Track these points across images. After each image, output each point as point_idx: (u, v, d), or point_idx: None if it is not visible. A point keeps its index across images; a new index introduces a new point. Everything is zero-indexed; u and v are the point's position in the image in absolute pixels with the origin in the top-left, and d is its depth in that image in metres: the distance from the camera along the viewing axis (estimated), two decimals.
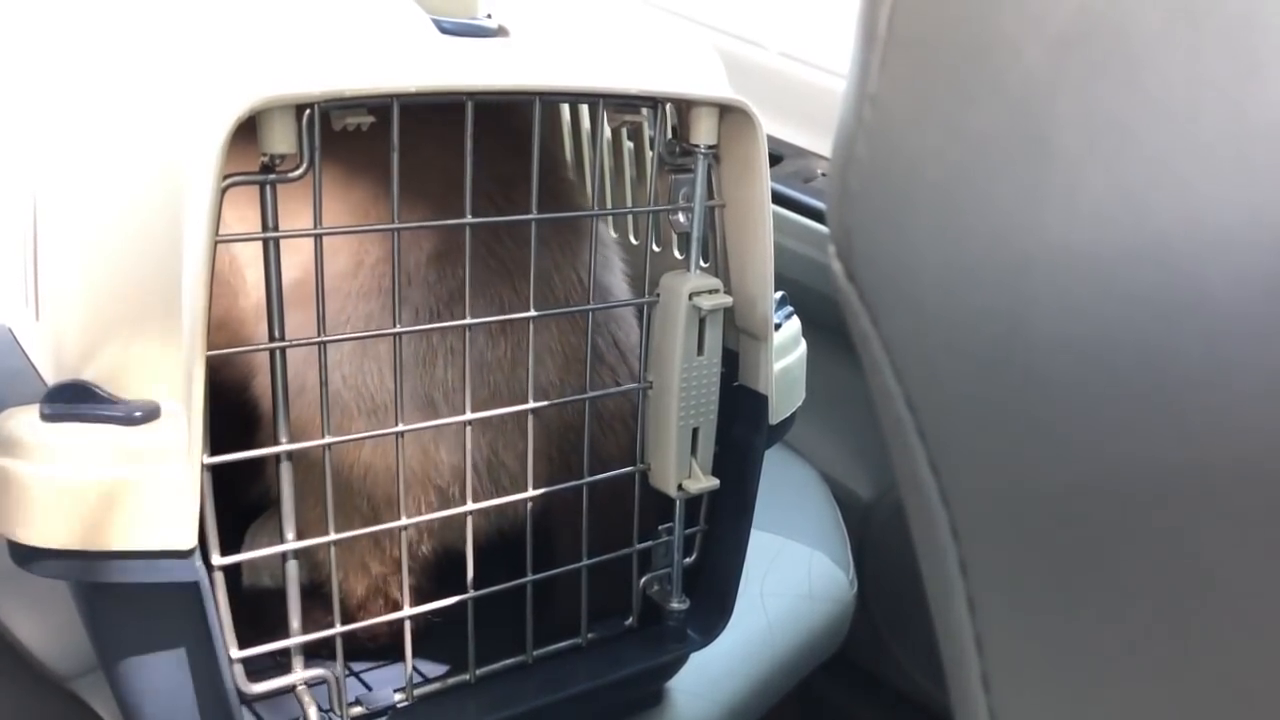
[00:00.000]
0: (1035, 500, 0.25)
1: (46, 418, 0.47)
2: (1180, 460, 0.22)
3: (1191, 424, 0.21)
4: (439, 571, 0.65)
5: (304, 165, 0.49)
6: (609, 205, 0.76)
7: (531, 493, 0.61)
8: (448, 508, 0.61)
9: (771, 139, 1.13)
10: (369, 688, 0.64)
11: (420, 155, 0.56)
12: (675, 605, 0.67)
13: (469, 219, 0.55)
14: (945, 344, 0.26)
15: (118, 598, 0.52)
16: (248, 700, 0.55)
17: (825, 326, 0.75)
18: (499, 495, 0.63)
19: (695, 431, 0.63)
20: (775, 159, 1.13)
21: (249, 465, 0.53)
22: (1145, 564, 0.23)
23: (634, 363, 0.67)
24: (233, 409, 0.62)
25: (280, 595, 0.56)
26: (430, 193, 0.60)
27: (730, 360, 0.65)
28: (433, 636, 0.62)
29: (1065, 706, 0.25)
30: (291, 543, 0.54)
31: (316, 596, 0.61)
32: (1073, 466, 0.24)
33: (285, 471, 0.53)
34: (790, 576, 0.89)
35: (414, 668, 0.60)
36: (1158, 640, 0.23)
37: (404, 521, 0.58)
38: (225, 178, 0.46)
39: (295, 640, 0.55)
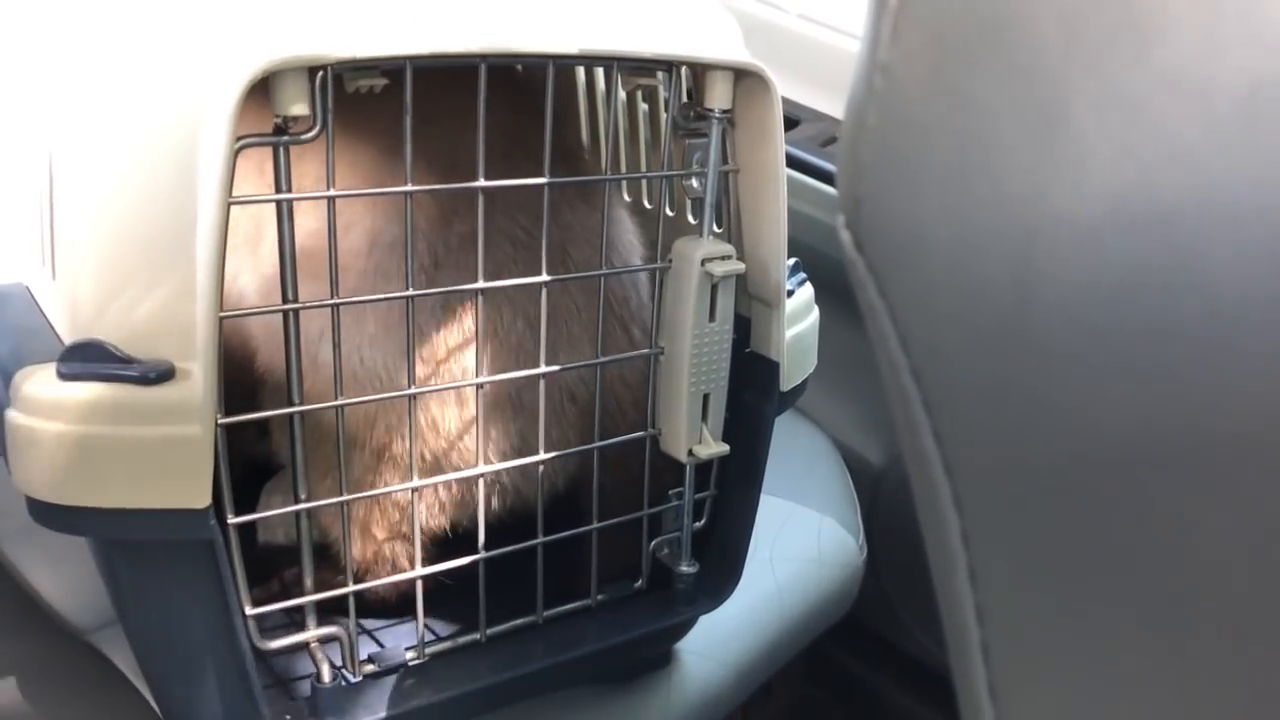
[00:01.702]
0: (1038, 472, 0.25)
1: (63, 376, 0.48)
2: (1183, 435, 0.22)
3: (1194, 399, 0.21)
4: (448, 542, 0.66)
5: (317, 127, 0.49)
6: (623, 170, 0.75)
7: (542, 455, 0.62)
8: (462, 496, 0.62)
9: (789, 102, 1.12)
10: (381, 645, 0.65)
11: (440, 124, 0.56)
12: (684, 568, 0.68)
13: (481, 182, 0.55)
14: (951, 315, 0.26)
15: (134, 554, 0.53)
16: (262, 656, 0.56)
17: (839, 292, 0.74)
18: (525, 484, 0.63)
19: (706, 397, 0.63)
20: (793, 122, 1.12)
21: (256, 424, 0.53)
22: (1146, 537, 0.23)
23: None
24: (236, 379, 0.62)
25: (293, 553, 0.56)
26: (456, 162, 0.59)
27: (742, 326, 0.65)
28: (445, 599, 0.63)
29: (1064, 677, 0.26)
30: (305, 503, 0.55)
31: (323, 557, 0.62)
32: (1075, 439, 0.24)
33: (298, 431, 0.54)
34: (800, 541, 0.90)
35: (426, 626, 0.61)
36: (1158, 613, 0.24)
37: (415, 483, 0.58)
38: (239, 139, 0.46)
39: (308, 599, 0.56)
